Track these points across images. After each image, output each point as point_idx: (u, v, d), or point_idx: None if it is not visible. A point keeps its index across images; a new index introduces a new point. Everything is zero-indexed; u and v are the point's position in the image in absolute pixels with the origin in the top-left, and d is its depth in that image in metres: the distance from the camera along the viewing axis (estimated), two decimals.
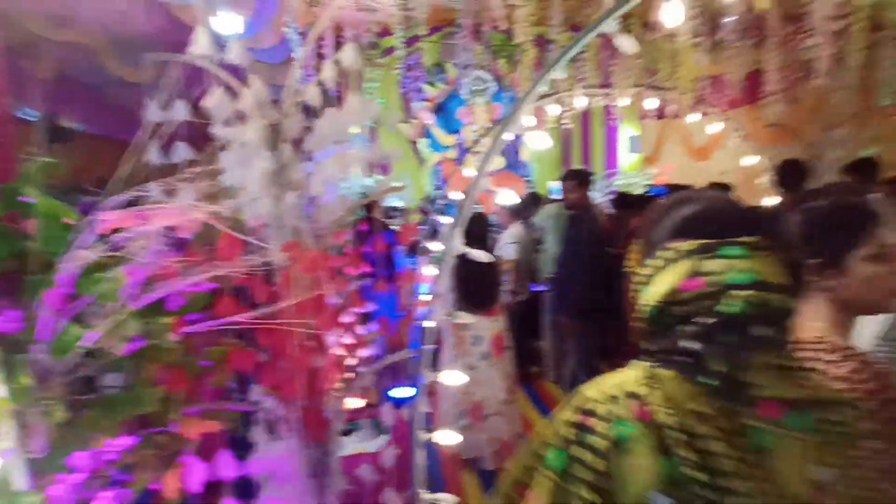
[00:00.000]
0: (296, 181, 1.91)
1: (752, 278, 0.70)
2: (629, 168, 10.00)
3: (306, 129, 2.06)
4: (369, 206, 5.40)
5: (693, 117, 5.53)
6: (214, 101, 1.71)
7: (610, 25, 1.95)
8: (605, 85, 4.67)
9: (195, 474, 1.72)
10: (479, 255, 1.94)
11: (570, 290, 3.69)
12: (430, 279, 2.07)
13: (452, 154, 10.14)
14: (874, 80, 4.70)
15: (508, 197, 2.03)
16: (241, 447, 2.03)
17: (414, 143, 9.83)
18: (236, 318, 1.66)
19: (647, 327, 0.77)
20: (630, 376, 0.77)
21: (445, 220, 3.32)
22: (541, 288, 4.35)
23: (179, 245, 1.77)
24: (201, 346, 1.76)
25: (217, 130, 1.83)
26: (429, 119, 9.60)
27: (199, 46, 1.64)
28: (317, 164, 2.02)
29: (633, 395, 0.73)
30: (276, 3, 4.01)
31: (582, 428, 0.75)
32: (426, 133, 10.06)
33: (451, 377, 1.92)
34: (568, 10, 3.79)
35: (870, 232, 0.98)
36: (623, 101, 4.59)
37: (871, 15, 3.64)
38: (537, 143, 2.40)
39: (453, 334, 3.25)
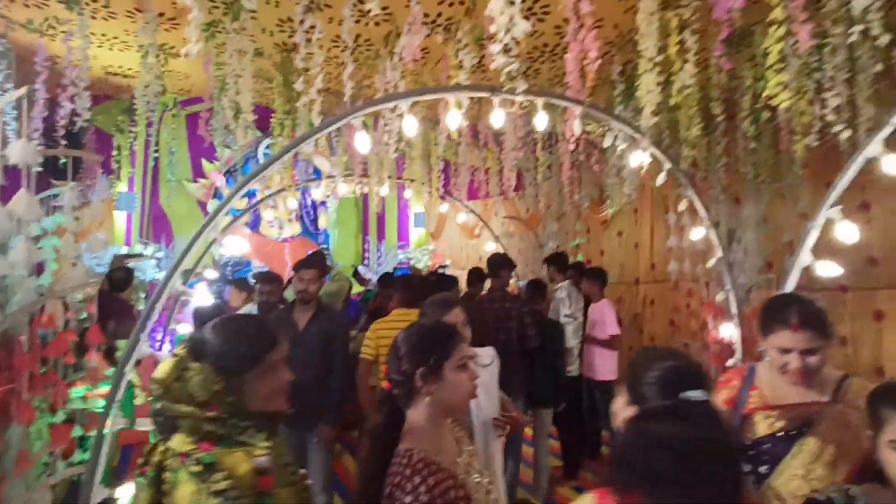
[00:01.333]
0: None
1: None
2: (416, 243, 10.80)
3: None
4: (118, 282, 4.76)
5: (444, 206, 6.40)
6: None
7: (308, 147, 2.23)
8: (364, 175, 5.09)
9: None
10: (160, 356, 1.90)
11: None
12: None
13: (246, 218, 9.77)
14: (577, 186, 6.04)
15: (200, 298, 2.07)
16: None
17: (204, 204, 9.27)
18: None
19: None
20: None
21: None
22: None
23: None
24: None
25: None
26: (220, 181, 9.16)
27: None
28: None
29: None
30: None
31: None
32: (217, 195, 9.57)
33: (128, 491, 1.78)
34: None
35: (456, 346, 1.31)
36: (383, 191, 5.09)
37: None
38: (234, 249, 2.50)
39: None
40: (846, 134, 2.19)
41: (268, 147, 8.86)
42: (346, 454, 4.52)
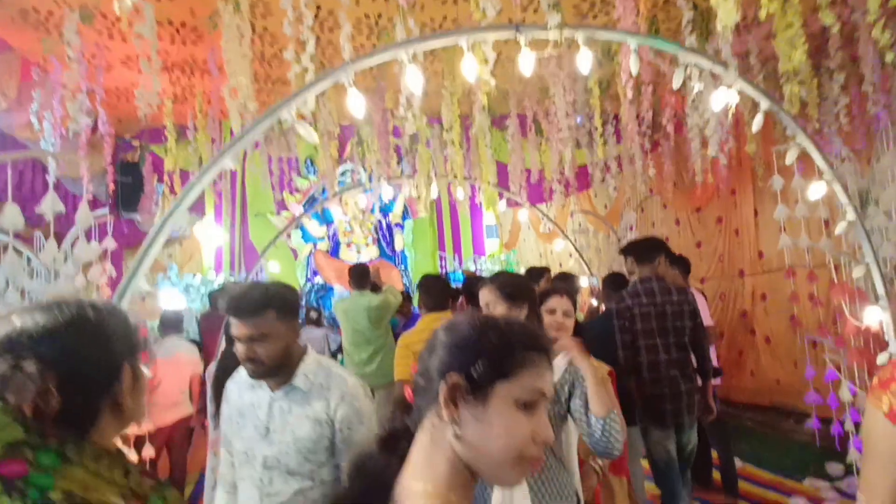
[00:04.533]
0: None
1: None
2: (490, 254, 10.39)
3: None
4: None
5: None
6: None
7: (286, 114, 1.86)
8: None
9: None
10: None
11: None
12: None
13: (324, 245, 10.00)
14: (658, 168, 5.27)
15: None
16: None
17: (288, 236, 9.64)
18: None
19: None
20: None
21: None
22: None
23: None
24: None
25: None
26: (299, 211, 9.41)
27: None
28: None
29: None
30: None
31: None
32: (298, 225, 9.88)
33: None
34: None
35: (530, 364, 0.76)
36: (434, 192, 4.70)
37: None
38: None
39: None
40: None
41: (343, 174, 8.99)
42: None
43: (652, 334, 2.94)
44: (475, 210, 10.09)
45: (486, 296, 1.86)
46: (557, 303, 2.02)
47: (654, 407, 2.90)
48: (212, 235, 2.23)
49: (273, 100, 4.19)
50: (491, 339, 0.74)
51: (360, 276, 4.15)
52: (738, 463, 3.92)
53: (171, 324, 3.72)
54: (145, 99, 2.21)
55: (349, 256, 9.69)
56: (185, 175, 5.08)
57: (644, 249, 3.15)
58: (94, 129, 4.76)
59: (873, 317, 2.55)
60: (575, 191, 5.02)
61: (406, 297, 4.98)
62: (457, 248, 10.69)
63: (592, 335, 2.89)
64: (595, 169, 5.39)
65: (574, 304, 2.08)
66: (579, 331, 2.12)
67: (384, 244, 10.38)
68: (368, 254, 9.89)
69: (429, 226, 10.40)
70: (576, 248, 5.20)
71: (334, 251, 9.89)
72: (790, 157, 2.42)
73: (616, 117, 4.85)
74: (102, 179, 4.38)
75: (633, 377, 2.96)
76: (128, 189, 5.27)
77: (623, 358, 2.96)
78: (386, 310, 4.10)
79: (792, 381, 5.04)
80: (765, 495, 3.70)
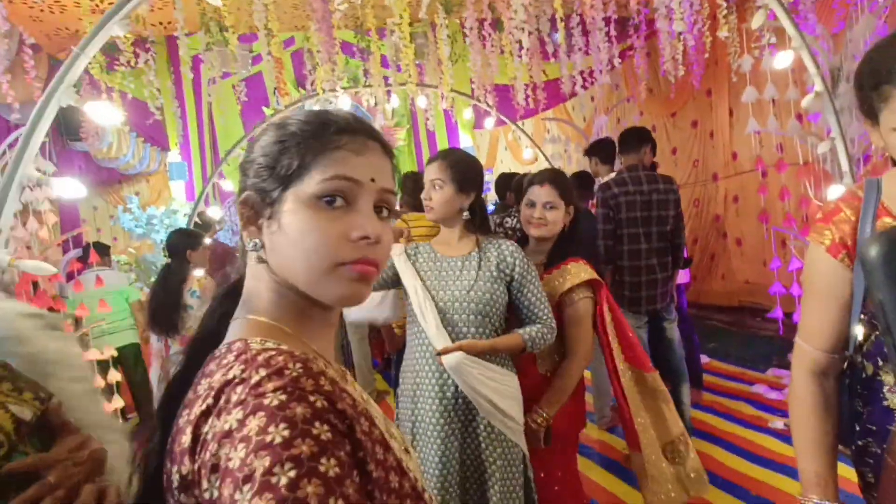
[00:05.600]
0: None
1: None
2: None
3: None
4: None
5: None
6: None
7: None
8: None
9: None
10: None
11: None
12: None
13: None
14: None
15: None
16: None
17: None
18: None
19: None
20: None
21: None
22: None
23: None
24: None
25: None
26: None
27: None
28: None
29: None
30: None
31: None
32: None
33: None
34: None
35: (331, 148, 0.64)
36: (393, 102, 4.46)
37: None
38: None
39: None
40: None
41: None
42: None
43: (635, 223, 2.86)
44: (452, 134, 9.88)
45: (432, 172, 1.54)
46: (536, 193, 1.71)
47: (629, 293, 2.88)
48: (107, 116, 2.05)
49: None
50: (270, 140, 0.62)
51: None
52: (703, 359, 4.00)
53: (100, 252, 3.61)
54: None
55: None
56: (123, 96, 4.74)
57: (631, 137, 3.00)
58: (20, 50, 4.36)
59: (837, 195, 2.47)
60: (544, 105, 4.77)
61: None
62: None
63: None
64: (563, 64, 5.07)
65: (564, 197, 1.73)
66: (573, 230, 1.79)
67: None
68: None
69: (407, 155, 10.17)
70: (545, 157, 5.05)
71: None
72: (756, 21, 2.23)
73: (581, 18, 4.53)
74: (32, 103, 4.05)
75: (611, 266, 2.92)
76: (69, 115, 4.90)
77: (604, 248, 2.90)
78: None
79: (761, 281, 5.10)
80: (728, 386, 3.80)
